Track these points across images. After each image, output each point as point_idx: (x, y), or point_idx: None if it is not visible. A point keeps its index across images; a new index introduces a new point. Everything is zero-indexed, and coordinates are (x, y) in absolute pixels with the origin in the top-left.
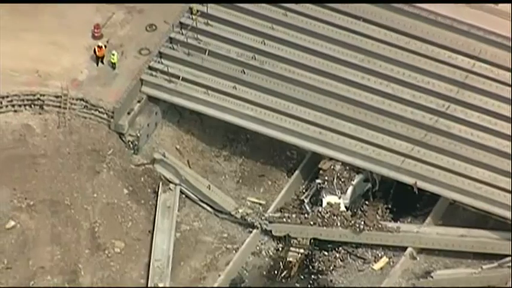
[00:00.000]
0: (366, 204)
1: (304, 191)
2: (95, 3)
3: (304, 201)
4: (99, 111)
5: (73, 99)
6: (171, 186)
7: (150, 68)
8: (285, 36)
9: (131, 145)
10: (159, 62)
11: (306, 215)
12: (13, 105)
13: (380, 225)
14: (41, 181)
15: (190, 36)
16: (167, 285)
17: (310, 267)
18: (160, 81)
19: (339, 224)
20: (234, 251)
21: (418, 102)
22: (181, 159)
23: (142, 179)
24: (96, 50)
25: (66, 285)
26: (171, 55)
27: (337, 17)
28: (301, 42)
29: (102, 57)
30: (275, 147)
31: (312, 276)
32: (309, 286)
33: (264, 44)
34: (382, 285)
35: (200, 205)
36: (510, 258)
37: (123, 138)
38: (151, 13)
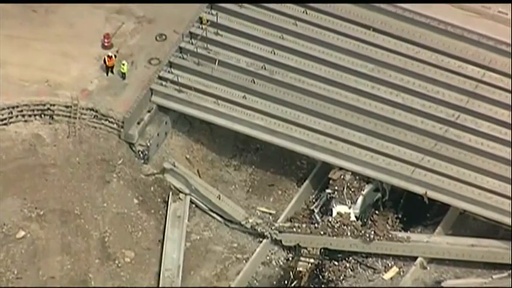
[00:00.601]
0: (376, 214)
1: (314, 200)
2: (106, 10)
3: (314, 211)
4: (109, 121)
5: (83, 109)
6: (181, 195)
7: (160, 77)
8: (295, 46)
9: (141, 155)
10: (169, 71)
11: (316, 225)
12: (23, 115)
13: (390, 235)
14: (51, 191)
15: (200, 45)
16: None
17: (320, 277)
18: (170, 91)
19: (349, 233)
20: (244, 261)
21: (428, 111)
22: (191, 169)
23: (152, 188)
24: (106, 59)
25: None
26: (181, 65)
27: (347, 27)
28: (311, 51)
29: (112, 67)
30: (285, 157)
31: (322, 286)
32: None
33: (274, 53)
34: None
35: (210, 215)
36: None
37: (133, 148)
38: (161, 23)
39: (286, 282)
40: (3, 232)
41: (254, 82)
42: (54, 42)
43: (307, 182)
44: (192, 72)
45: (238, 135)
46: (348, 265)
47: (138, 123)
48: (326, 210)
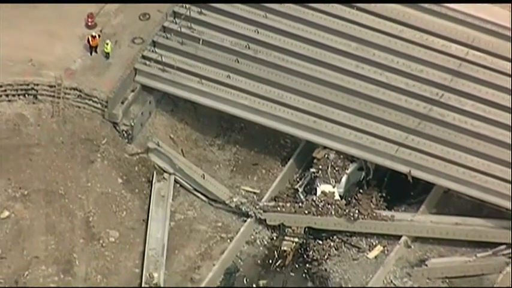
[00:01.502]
0: (360, 192)
1: (298, 179)
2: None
3: (298, 190)
4: (93, 101)
5: (67, 88)
6: (165, 175)
7: (143, 57)
8: (279, 25)
9: (125, 134)
10: (152, 51)
11: (300, 204)
12: (7, 95)
13: (374, 214)
14: (35, 171)
15: (184, 25)
16: (162, 274)
17: (305, 256)
18: (154, 70)
19: (333, 212)
20: (228, 240)
21: (412, 90)
22: (175, 148)
23: (136, 168)
24: (90, 39)
25: (61, 275)
26: (165, 44)
27: (330, 6)
28: (295, 31)
29: (96, 47)
30: (269, 136)
31: (307, 265)
32: (304, 275)
33: (258, 32)
34: (376, 274)
35: (194, 194)
36: (505, 246)
37: (117, 128)
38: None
39: (270, 261)
40: None
41: (238, 61)
42: (38, 22)
43: (291, 161)
44: (175, 52)
45: (223, 114)
46: (332, 244)
47: (122, 102)
48: (310, 189)
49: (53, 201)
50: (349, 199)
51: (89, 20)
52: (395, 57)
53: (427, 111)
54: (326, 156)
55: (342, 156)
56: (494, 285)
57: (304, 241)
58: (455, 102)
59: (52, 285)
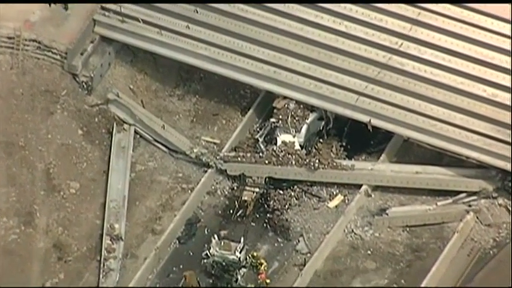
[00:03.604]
0: (320, 142)
1: (258, 129)
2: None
3: (258, 140)
4: (52, 52)
5: (26, 40)
6: (125, 126)
7: (102, 8)
8: None
9: (85, 86)
10: (111, 1)
11: (260, 154)
12: None
13: (334, 163)
14: None
15: None
16: (123, 225)
17: (266, 206)
18: (113, 21)
19: (293, 162)
20: (189, 191)
21: (372, 40)
22: (135, 99)
23: (96, 119)
24: None
25: (22, 227)
26: None
27: None
28: None
29: None
30: (229, 86)
31: (268, 215)
32: (264, 225)
33: None
34: (337, 223)
35: (155, 145)
36: (465, 194)
37: (77, 79)
38: None
39: (231, 211)
40: None
41: (197, 12)
42: None
43: (251, 111)
44: (134, 2)
45: (182, 65)
46: (292, 194)
47: (82, 54)
48: (270, 139)
49: (13, 153)
50: (310, 149)
51: None
52: (354, 6)
53: (387, 61)
54: (286, 106)
55: (301, 106)
56: (455, 233)
57: (265, 191)
58: (415, 51)
59: (13, 237)
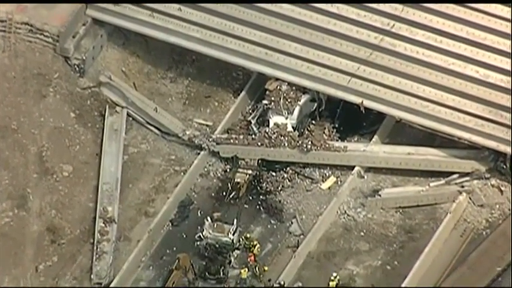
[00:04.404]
0: (312, 124)
1: (250, 111)
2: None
3: (251, 122)
4: (44, 35)
5: (18, 23)
6: (118, 109)
7: None
8: None
9: (77, 68)
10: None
11: (253, 136)
12: None
13: (327, 145)
14: None
15: None
16: (116, 208)
17: (258, 188)
18: (105, 4)
19: (286, 144)
20: (182, 173)
21: (363, 21)
22: (127, 82)
23: (88, 102)
24: None
25: (15, 210)
26: None
27: None
28: None
29: None
30: (221, 69)
31: (261, 197)
32: (257, 207)
33: None
34: (330, 205)
35: (147, 127)
36: (457, 175)
37: (69, 62)
38: None
39: (224, 193)
40: None
41: None
42: None
43: (243, 93)
44: None
45: (174, 47)
46: (285, 176)
47: (74, 36)
48: (263, 121)
49: (6, 137)
50: (302, 130)
51: None
52: None
53: (379, 42)
54: (278, 87)
55: (294, 88)
56: (448, 214)
57: (258, 173)
58: (407, 32)
59: (7, 220)
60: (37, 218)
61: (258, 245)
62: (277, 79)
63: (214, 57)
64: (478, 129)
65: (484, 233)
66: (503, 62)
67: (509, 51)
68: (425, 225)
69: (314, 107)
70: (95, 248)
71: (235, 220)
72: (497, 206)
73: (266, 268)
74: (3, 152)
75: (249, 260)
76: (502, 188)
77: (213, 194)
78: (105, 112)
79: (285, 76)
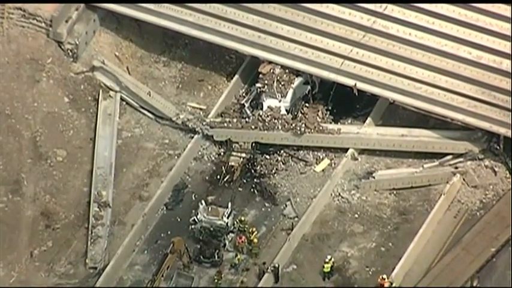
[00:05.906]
0: (306, 107)
1: (244, 95)
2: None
3: (244, 106)
4: (37, 20)
5: (11, 8)
6: (111, 93)
7: None
8: None
9: (70, 53)
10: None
11: (246, 119)
12: None
13: (321, 127)
14: None
15: None
16: (110, 192)
17: (252, 171)
18: None
19: (279, 127)
20: (176, 157)
21: (356, 3)
22: (121, 66)
23: (82, 86)
24: None
25: (10, 195)
26: None
27: None
28: None
29: None
30: (214, 52)
31: (255, 180)
32: (252, 190)
33: None
34: (324, 187)
35: (141, 112)
36: (451, 156)
37: (62, 47)
38: None
39: (218, 177)
40: None
41: None
42: None
43: (236, 76)
44: None
45: (167, 31)
46: (279, 158)
47: (66, 21)
48: (256, 104)
49: None
50: (296, 113)
51: None
52: None
53: (371, 24)
54: (271, 70)
55: (287, 71)
56: (442, 195)
57: (252, 156)
58: (399, 14)
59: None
60: (31, 203)
61: (255, 232)
62: (270, 62)
63: (207, 40)
64: (471, 110)
65: (478, 213)
66: (495, 43)
67: (502, 32)
68: (419, 206)
69: (307, 90)
70: (90, 232)
71: (229, 203)
72: (491, 187)
73: (256, 240)
74: None
75: (238, 241)
76: (496, 169)
77: (207, 178)
78: (98, 97)
79: (278, 59)
